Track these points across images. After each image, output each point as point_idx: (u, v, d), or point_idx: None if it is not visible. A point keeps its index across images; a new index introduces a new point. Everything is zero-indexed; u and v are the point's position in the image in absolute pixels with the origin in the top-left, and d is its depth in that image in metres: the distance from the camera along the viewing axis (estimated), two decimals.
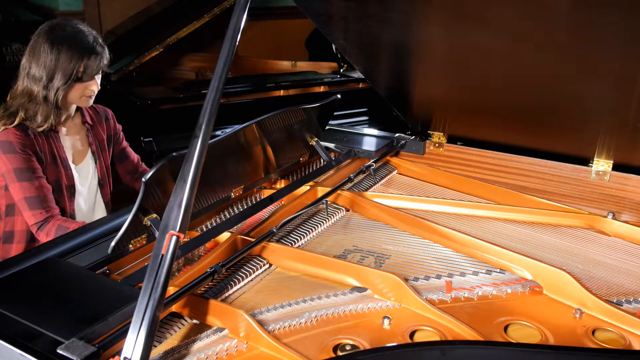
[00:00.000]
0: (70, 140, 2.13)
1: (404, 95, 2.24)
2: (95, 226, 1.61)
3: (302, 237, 1.72)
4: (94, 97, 2.06)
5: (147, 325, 1.05)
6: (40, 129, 1.98)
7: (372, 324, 1.37)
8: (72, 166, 2.11)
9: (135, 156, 2.38)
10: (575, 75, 1.66)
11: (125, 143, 2.35)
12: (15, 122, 1.92)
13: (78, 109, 2.15)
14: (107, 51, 2.05)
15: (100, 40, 2.03)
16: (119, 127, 2.32)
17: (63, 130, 2.11)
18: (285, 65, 4.33)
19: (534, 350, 1.24)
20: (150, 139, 3.10)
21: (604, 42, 1.46)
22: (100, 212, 2.24)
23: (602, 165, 1.97)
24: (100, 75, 2.05)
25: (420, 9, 1.68)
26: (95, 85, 2.02)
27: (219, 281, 1.46)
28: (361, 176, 2.14)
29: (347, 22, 1.91)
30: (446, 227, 1.73)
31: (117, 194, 2.36)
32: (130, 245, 1.50)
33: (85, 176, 2.16)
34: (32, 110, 1.95)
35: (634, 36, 1.39)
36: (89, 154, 2.18)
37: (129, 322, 1.06)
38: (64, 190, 2.06)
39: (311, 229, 1.76)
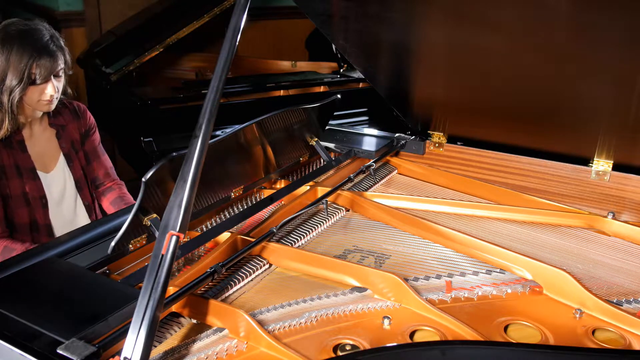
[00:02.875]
0: (38, 147, 2.00)
1: (404, 95, 2.24)
2: (95, 226, 1.61)
3: (302, 237, 1.72)
4: (55, 102, 1.93)
5: (147, 325, 1.05)
6: None
7: (372, 324, 1.37)
8: (42, 175, 1.99)
9: (104, 165, 2.20)
10: (575, 75, 1.66)
11: (96, 143, 2.18)
12: None
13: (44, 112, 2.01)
14: (66, 52, 1.91)
15: (58, 41, 1.90)
16: (93, 122, 2.16)
17: (28, 136, 1.97)
18: (285, 65, 4.33)
19: (534, 350, 1.24)
20: (150, 139, 3.09)
21: (604, 42, 1.46)
22: (82, 216, 2.13)
23: (602, 165, 1.97)
24: (62, 79, 1.91)
25: (420, 9, 1.68)
26: (51, 89, 1.87)
27: (219, 281, 1.46)
28: (361, 176, 2.14)
29: (347, 22, 1.91)
30: (446, 227, 1.73)
31: None
32: (130, 245, 1.50)
33: (59, 182, 2.05)
34: None
35: (634, 36, 1.39)
36: (61, 157, 2.06)
37: (129, 322, 1.06)
38: (31, 203, 1.95)
39: (311, 229, 1.76)
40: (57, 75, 1.89)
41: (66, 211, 2.09)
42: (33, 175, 1.97)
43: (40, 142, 2.03)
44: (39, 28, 1.88)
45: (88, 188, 2.15)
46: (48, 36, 1.88)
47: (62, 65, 1.90)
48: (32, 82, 1.84)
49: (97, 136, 2.20)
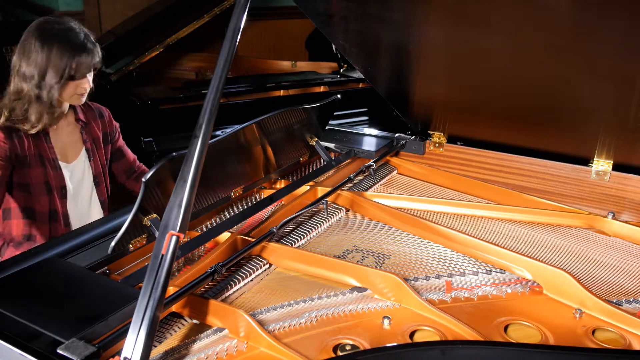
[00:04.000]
0: (62, 139, 2.09)
1: (404, 95, 2.24)
2: (95, 226, 1.61)
3: (302, 237, 1.72)
4: (86, 95, 2.04)
5: (147, 325, 1.05)
6: (34, 130, 1.94)
7: (372, 324, 1.37)
8: (63, 165, 2.07)
9: (131, 155, 2.35)
10: (575, 75, 1.66)
11: (121, 142, 2.32)
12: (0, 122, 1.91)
13: (71, 106, 2.12)
14: (98, 49, 2.02)
15: (91, 38, 2.00)
16: (117, 125, 2.29)
17: (54, 129, 2.06)
18: (285, 65, 4.33)
19: (534, 350, 1.24)
20: (150, 139, 3.09)
21: (604, 42, 1.46)
22: (96, 210, 2.20)
23: (602, 165, 1.97)
24: (92, 74, 2.03)
25: (420, 9, 1.68)
26: (87, 84, 1.99)
27: (219, 281, 1.46)
28: (361, 176, 2.14)
29: (347, 22, 1.91)
30: (446, 227, 1.73)
31: (117, 193, 2.35)
32: (130, 245, 1.50)
33: (78, 174, 2.13)
34: (20, 110, 1.92)
35: (634, 36, 1.39)
36: (83, 151, 2.15)
37: (129, 322, 1.06)
38: (54, 192, 2.03)
39: (311, 229, 1.76)
40: (90, 71, 2.01)
41: (81, 204, 2.15)
42: (56, 166, 2.05)
43: (64, 135, 2.11)
44: (74, 27, 1.98)
45: (105, 184, 2.23)
46: (83, 35, 1.98)
47: (97, 60, 2.00)
48: (71, 78, 1.95)
49: (120, 137, 2.33)
